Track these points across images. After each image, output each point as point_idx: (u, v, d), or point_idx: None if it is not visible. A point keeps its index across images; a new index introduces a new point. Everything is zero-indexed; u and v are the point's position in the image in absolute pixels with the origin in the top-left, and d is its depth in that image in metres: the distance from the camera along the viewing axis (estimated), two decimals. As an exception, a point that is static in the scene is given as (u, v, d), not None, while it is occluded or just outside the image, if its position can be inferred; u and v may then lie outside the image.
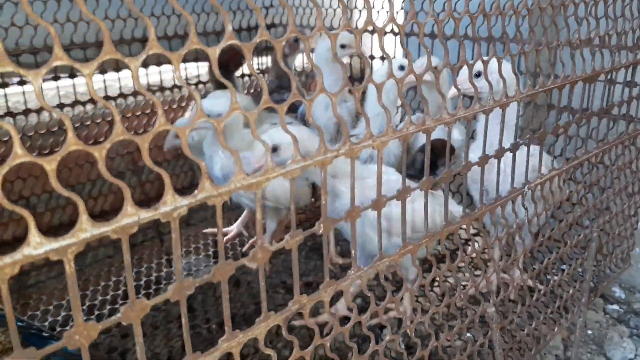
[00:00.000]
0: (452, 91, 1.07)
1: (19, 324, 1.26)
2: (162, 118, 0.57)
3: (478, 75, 1.12)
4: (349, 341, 0.83)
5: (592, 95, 1.29)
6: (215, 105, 1.45)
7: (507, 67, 0.98)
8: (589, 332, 1.85)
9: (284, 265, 1.88)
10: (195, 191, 0.60)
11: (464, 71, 1.02)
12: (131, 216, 0.55)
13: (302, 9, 2.38)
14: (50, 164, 0.49)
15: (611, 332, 1.83)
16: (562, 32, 1.11)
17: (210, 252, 1.95)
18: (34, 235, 0.49)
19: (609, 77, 1.40)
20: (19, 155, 0.47)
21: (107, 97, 1.95)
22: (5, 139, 1.78)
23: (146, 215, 0.56)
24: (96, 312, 1.61)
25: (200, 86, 2.20)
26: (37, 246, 0.49)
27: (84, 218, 0.52)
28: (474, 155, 0.95)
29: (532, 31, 0.98)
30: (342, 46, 1.73)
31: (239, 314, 1.60)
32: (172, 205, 0.58)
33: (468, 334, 1.40)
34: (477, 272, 1.75)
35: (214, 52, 0.59)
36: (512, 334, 1.26)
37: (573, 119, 1.21)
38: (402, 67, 1.58)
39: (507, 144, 1.00)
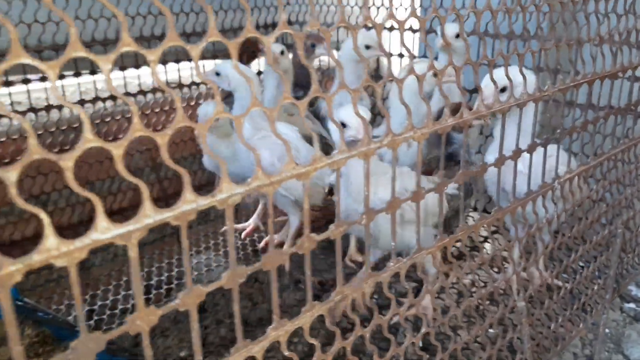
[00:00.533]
0: (486, 82, 1.07)
1: (47, 316, 1.27)
2: (219, 99, 0.57)
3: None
4: (386, 333, 0.83)
5: (619, 93, 1.30)
6: None
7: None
8: (607, 330, 1.84)
9: (296, 263, 1.89)
10: (249, 179, 0.61)
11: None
12: (190, 203, 0.56)
13: (325, 7, 2.37)
14: (117, 149, 0.49)
15: (629, 330, 1.83)
16: (583, 30, 1.11)
17: (227, 250, 1.95)
18: (101, 221, 0.49)
19: (627, 74, 1.40)
20: (89, 139, 0.48)
21: (126, 94, 1.96)
22: (15, 136, 1.80)
23: (204, 202, 0.57)
24: (120, 307, 1.62)
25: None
26: (104, 231, 0.49)
27: (147, 204, 0.52)
28: (492, 157, 0.95)
29: (562, 25, 0.99)
30: (367, 47, 1.73)
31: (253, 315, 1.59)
32: (229, 192, 0.58)
33: (491, 330, 1.41)
34: (495, 270, 1.75)
35: (268, 40, 0.60)
36: (539, 330, 1.26)
37: (601, 115, 1.22)
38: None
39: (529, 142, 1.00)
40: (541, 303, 1.23)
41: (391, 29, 2.04)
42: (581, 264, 1.47)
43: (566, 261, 1.24)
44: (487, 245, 1.86)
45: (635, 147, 1.42)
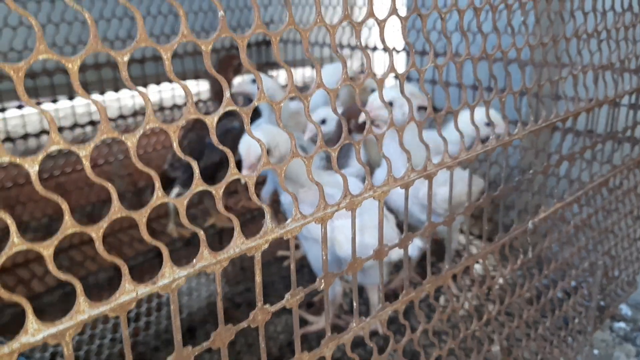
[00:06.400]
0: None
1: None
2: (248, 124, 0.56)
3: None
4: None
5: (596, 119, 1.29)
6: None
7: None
8: (595, 352, 1.82)
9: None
10: (194, 260, 0.59)
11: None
12: (129, 293, 0.54)
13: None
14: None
15: (617, 352, 1.81)
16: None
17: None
18: (31, 322, 0.48)
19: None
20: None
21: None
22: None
23: (144, 290, 0.55)
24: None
25: (201, 104, 2.19)
26: (35, 333, 0.48)
27: (81, 299, 0.50)
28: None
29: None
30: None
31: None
32: (171, 277, 0.57)
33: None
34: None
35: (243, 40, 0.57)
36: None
37: (576, 141, 1.20)
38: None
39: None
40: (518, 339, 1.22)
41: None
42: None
43: (549, 293, 1.23)
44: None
45: (616, 176, 1.41)
